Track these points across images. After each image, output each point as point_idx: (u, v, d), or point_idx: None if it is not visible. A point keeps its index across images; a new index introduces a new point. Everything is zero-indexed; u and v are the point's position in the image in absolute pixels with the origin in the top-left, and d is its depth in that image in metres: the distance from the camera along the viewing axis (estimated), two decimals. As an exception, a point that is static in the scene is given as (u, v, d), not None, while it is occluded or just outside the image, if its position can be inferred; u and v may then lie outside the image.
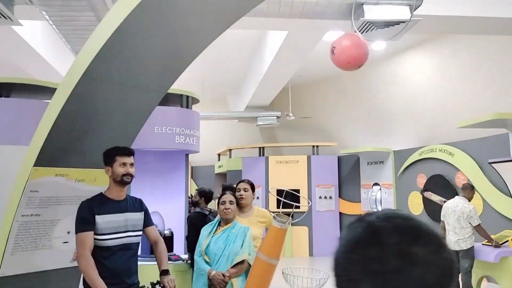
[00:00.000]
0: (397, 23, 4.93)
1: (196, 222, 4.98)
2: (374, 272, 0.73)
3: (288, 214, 2.87)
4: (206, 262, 3.41)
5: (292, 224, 3.02)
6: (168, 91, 3.86)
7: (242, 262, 3.37)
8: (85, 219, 2.77)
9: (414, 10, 4.84)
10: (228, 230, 3.46)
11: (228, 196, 3.55)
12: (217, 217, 3.66)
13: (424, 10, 5.56)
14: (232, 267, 3.36)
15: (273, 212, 3.78)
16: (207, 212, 5.32)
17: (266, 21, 6.02)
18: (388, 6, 4.95)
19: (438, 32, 8.47)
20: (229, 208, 3.48)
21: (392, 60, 10.88)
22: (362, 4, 4.86)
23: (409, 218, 0.79)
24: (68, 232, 3.45)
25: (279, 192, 3.53)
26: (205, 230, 3.56)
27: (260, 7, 4.69)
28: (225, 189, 3.94)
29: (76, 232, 2.78)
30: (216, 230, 3.51)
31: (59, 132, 2.96)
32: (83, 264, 2.70)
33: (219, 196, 3.67)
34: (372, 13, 4.82)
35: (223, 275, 3.29)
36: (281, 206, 2.84)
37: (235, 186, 4.04)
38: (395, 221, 0.77)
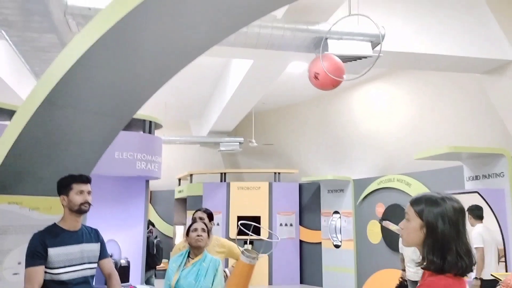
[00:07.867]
0: (359, 58, 5.10)
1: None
2: None
3: (250, 242, 2.84)
4: None
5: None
6: (131, 117, 3.79)
7: None
8: (36, 252, 2.63)
9: (375, 47, 5.03)
10: (198, 264, 3.31)
11: (200, 224, 3.44)
12: (186, 247, 3.48)
13: (384, 47, 5.78)
14: None
15: (232, 239, 3.70)
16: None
17: (232, 50, 6.08)
18: (350, 41, 5.12)
19: (396, 67, 8.80)
20: (201, 235, 3.36)
21: (353, 92, 11.19)
22: (327, 38, 5.00)
23: None
24: (19, 263, 3.28)
25: (246, 225, 3.48)
26: (174, 263, 3.36)
27: (227, 37, 4.73)
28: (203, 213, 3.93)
29: (25, 266, 2.63)
30: (186, 263, 3.33)
31: (15, 157, 2.84)
32: None
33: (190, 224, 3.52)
34: (336, 47, 4.97)
35: None
36: (248, 240, 2.79)
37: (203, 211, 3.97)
38: None
